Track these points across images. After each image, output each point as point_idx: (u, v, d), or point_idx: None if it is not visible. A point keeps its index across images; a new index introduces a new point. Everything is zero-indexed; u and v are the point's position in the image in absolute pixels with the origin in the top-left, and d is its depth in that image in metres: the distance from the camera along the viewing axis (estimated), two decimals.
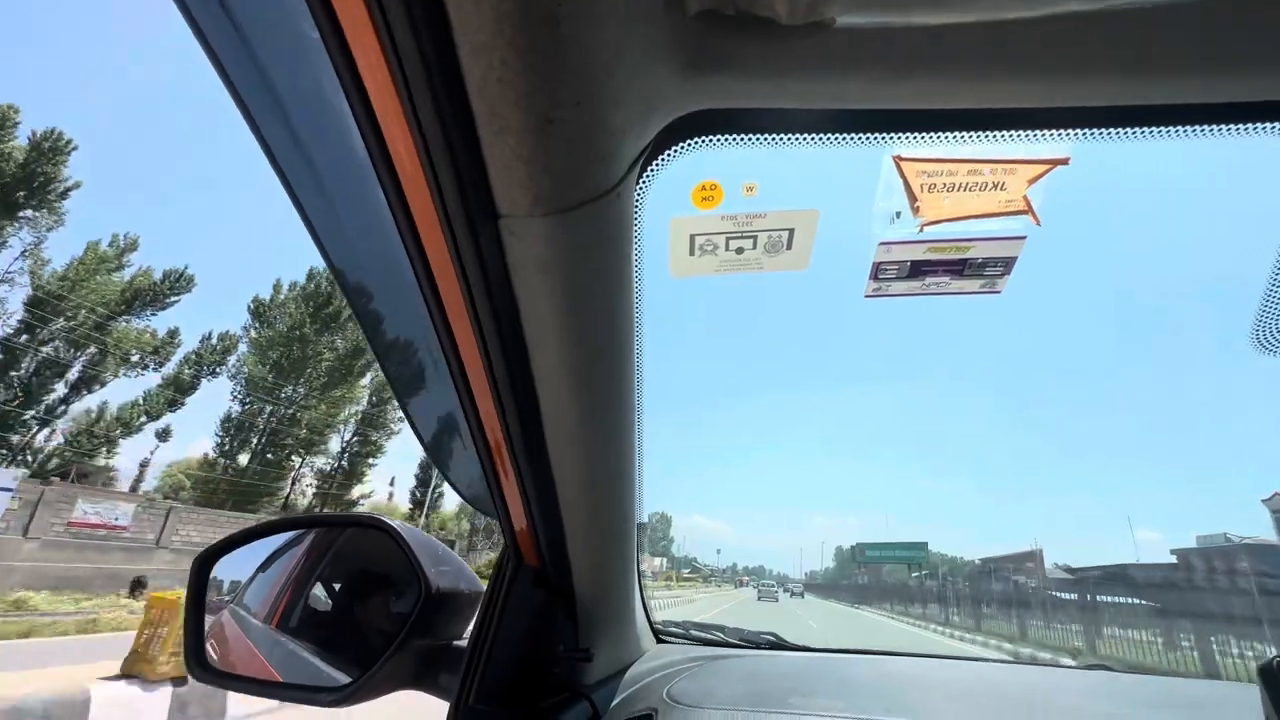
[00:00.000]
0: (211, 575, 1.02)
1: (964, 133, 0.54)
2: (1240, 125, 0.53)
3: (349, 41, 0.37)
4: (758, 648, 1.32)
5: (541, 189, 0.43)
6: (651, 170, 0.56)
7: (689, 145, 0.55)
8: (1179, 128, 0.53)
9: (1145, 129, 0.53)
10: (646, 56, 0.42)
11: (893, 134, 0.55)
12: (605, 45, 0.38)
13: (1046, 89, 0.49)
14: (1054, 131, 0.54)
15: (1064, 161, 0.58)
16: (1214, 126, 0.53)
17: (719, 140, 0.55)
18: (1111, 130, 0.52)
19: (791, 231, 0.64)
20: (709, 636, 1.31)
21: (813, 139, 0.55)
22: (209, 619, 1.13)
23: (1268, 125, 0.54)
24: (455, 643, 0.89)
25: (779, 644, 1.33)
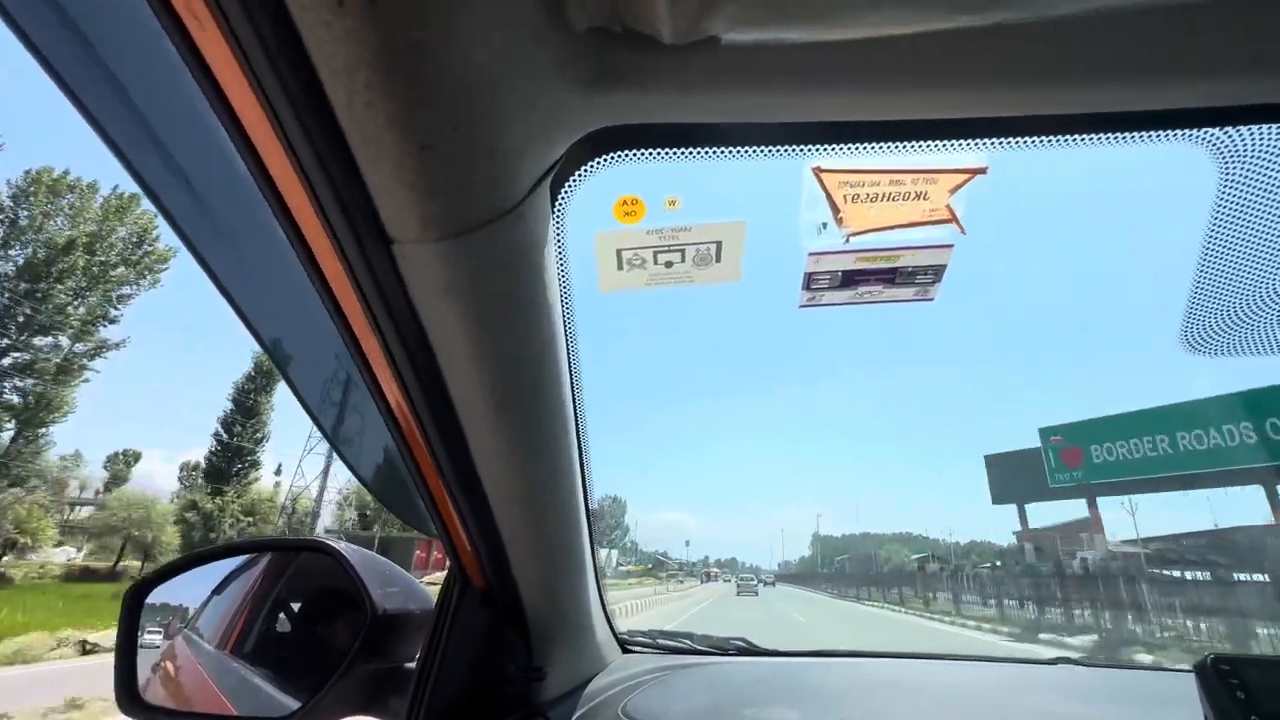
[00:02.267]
0: (158, 602, 0.99)
1: (875, 144, 0.53)
2: (1157, 132, 0.54)
3: (215, 73, 0.35)
4: (725, 654, 1.31)
5: (429, 213, 0.42)
6: (568, 187, 0.55)
7: (603, 162, 0.54)
8: (1094, 135, 0.54)
9: (1060, 137, 0.53)
10: (538, 75, 0.41)
11: (804, 145, 0.54)
12: (481, 68, 0.37)
13: (949, 100, 0.48)
14: (969, 141, 0.54)
15: (982, 170, 0.57)
16: (1130, 134, 0.54)
17: (633, 155, 0.55)
18: (1020, 139, 0.52)
19: (719, 244, 0.64)
20: (676, 645, 1.30)
21: (726, 152, 0.54)
22: (160, 645, 1.10)
23: (1181, 132, 0.54)
24: (407, 665, 0.88)
25: (749, 649, 1.33)
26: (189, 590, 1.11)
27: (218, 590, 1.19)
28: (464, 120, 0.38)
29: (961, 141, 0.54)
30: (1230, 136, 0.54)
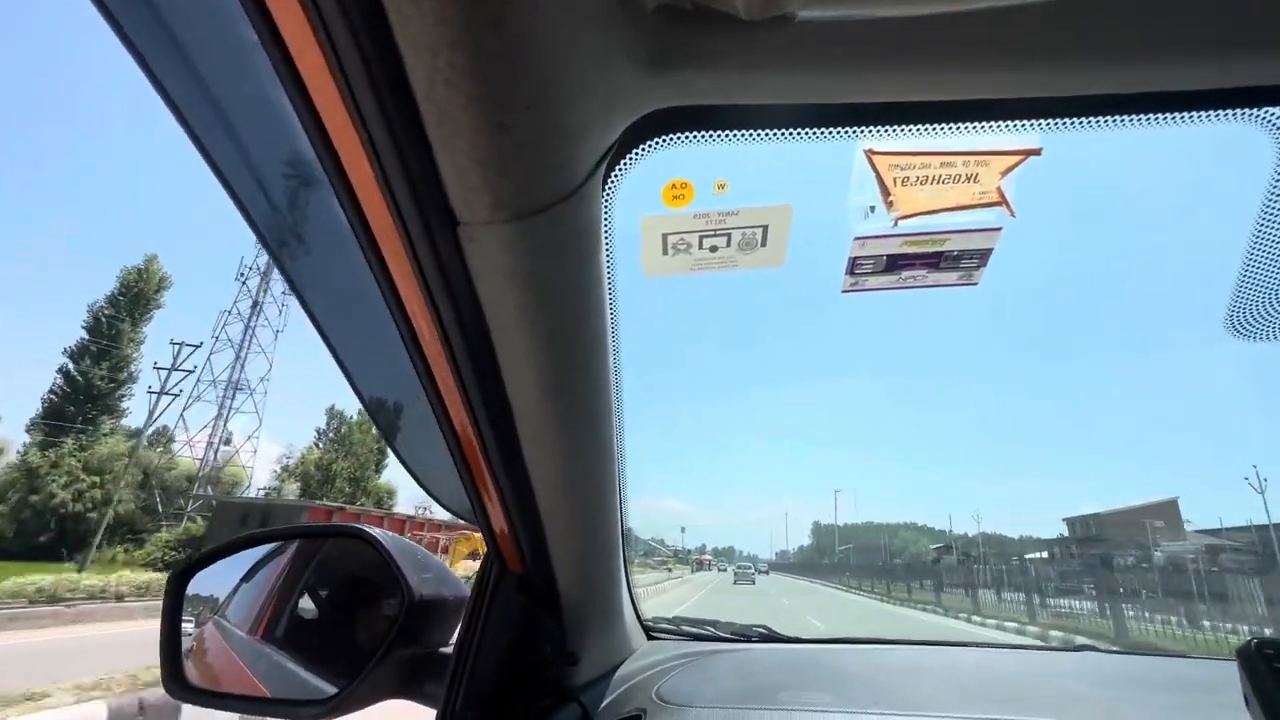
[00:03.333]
0: (190, 591, 1.00)
1: (934, 125, 0.53)
2: (1215, 111, 0.53)
3: (288, 45, 0.35)
4: (749, 640, 1.32)
5: (499, 194, 0.41)
6: (619, 171, 0.55)
7: (656, 144, 0.54)
8: (1152, 115, 0.53)
9: (1118, 117, 0.52)
10: (604, 54, 0.41)
11: (862, 127, 0.54)
12: (557, 45, 0.37)
13: (1016, 79, 0.48)
14: (1026, 122, 0.53)
15: (1035, 152, 0.57)
16: (1187, 114, 0.53)
17: (686, 138, 0.54)
18: (1084, 119, 0.52)
19: (765, 228, 0.63)
20: (700, 631, 1.31)
21: (781, 134, 0.54)
22: (192, 631, 1.11)
23: (1241, 111, 0.53)
24: (441, 650, 0.88)
25: (771, 636, 1.34)
26: (217, 578, 1.12)
27: (246, 578, 1.20)
28: (537, 99, 0.38)
29: (1017, 122, 0.53)
30: None
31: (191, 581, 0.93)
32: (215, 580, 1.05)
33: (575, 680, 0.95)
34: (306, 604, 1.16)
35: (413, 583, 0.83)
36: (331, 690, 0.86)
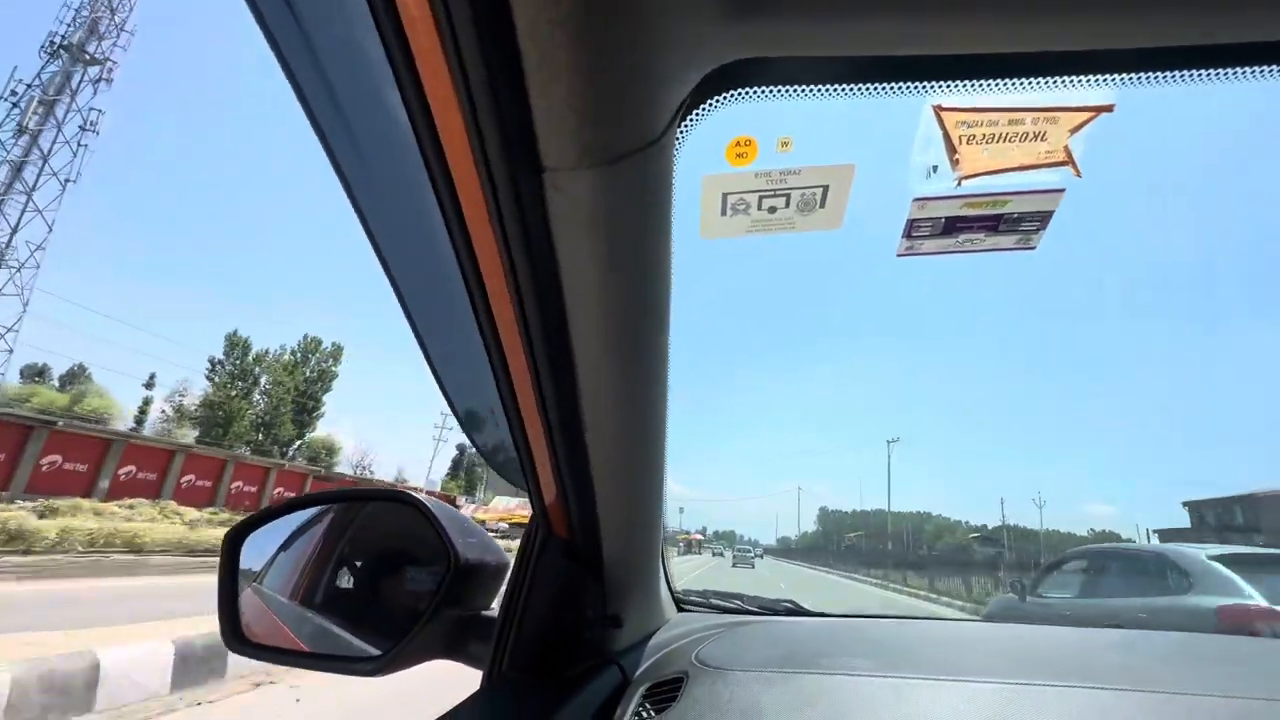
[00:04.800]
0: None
1: (1009, 79, 0.52)
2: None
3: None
4: (777, 614, 1.34)
5: (590, 140, 0.41)
6: (687, 124, 0.55)
7: (726, 98, 0.53)
8: (1244, 69, 0.52)
9: (1202, 71, 0.51)
10: (688, 2, 0.40)
11: (934, 81, 0.53)
12: None
13: (1095, 29, 0.47)
14: (1101, 76, 0.52)
15: (1108, 108, 0.56)
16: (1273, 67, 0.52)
17: (755, 93, 0.54)
18: (1165, 74, 0.51)
19: (826, 188, 0.63)
20: (729, 604, 1.33)
21: (853, 89, 0.53)
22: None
23: None
24: (484, 612, 0.90)
25: (798, 610, 1.35)
26: (257, 546, 1.13)
27: (284, 547, 1.22)
28: (635, 40, 0.38)
29: (1092, 77, 0.52)
30: None
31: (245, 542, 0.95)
32: (259, 545, 1.07)
33: (615, 645, 0.97)
34: (345, 570, 1.18)
35: (459, 546, 0.85)
36: (374, 651, 0.88)
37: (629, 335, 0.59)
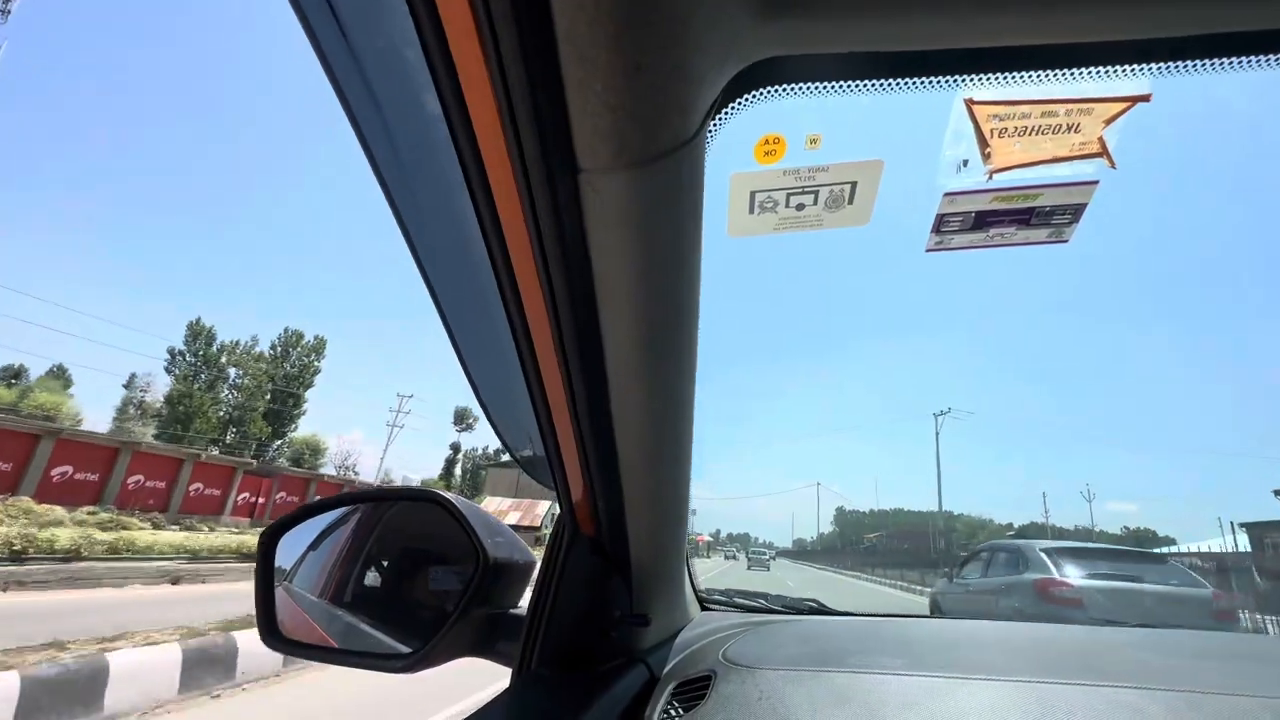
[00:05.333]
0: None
1: (1043, 71, 0.51)
2: None
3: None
4: (800, 613, 1.33)
5: (626, 140, 0.42)
6: (717, 123, 0.55)
7: (755, 96, 0.53)
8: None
9: (1242, 58, 0.50)
10: (721, 2, 0.41)
11: (965, 75, 0.53)
12: None
13: (1136, 18, 0.46)
14: (1138, 66, 0.52)
15: (1145, 98, 0.55)
16: None
17: (785, 90, 0.54)
18: (1203, 62, 0.50)
19: (854, 185, 0.63)
20: (753, 604, 1.33)
21: (883, 84, 0.53)
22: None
23: None
24: (512, 610, 0.91)
25: (822, 610, 1.34)
26: (292, 544, 1.15)
27: (313, 546, 1.24)
28: (671, 39, 0.38)
29: (1128, 67, 0.52)
30: None
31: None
32: (291, 545, 1.09)
33: (641, 643, 0.97)
34: (372, 569, 1.20)
35: (488, 545, 0.85)
36: (404, 649, 0.89)
37: (660, 334, 0.59)
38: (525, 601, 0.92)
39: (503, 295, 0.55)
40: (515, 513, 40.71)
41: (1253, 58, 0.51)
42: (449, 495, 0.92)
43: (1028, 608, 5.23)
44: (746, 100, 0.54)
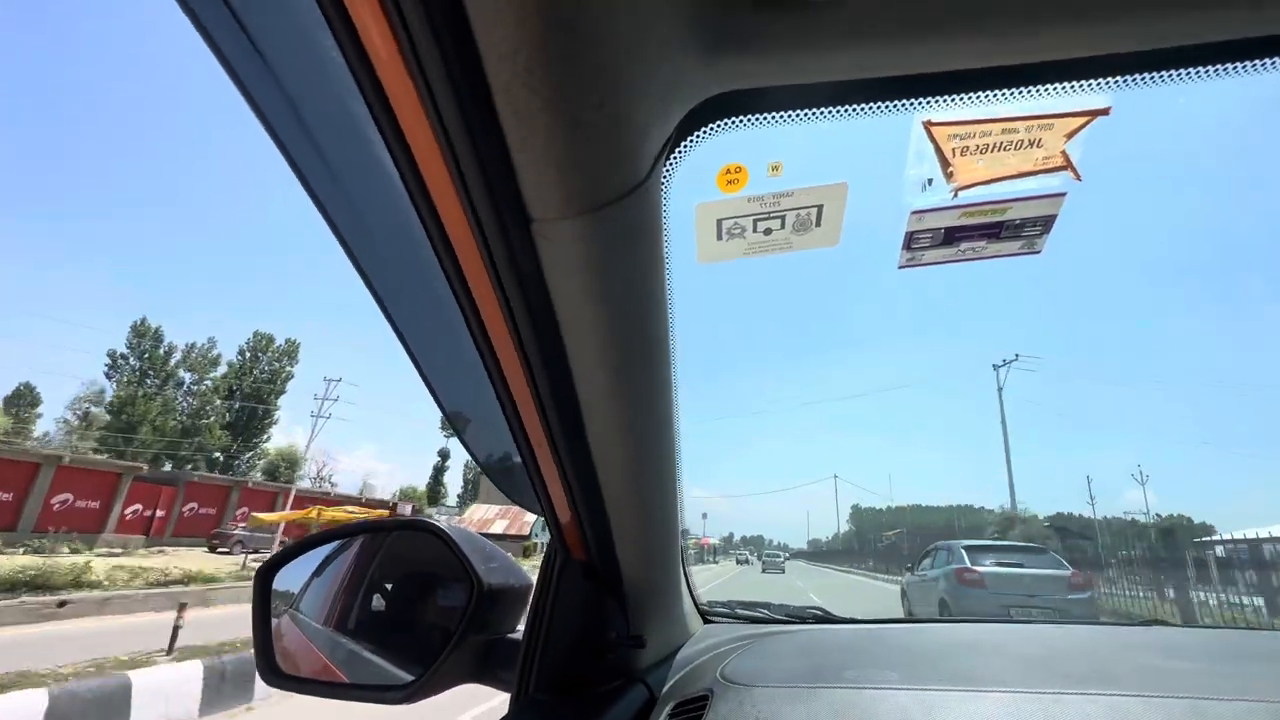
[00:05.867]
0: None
1: (997, 90, 0.51)
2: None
3: (366, 47, 0.37)
4: (804, 622, 1.33)
5: (572, 190, 0.42)
6: (674, 159, 0.55)
7: (711, 130, 0.54)
8: (1233, 65, 0.51)
9: (1195, 69, 0.50)
10: (666, 46, 0.41)
11: (920, 99, 0.53)
12: (625, 40, 0.37)
13: (1082, 37, 0.46)
14: (1094, 81, 0.52)
15: (1104, 112, 0.55)
16: (1267, 61, 0.50)
17: (742, 121, 0.54)
18: (1156, 74, 0.50)
19: (820, 208, 0.63)
20: (755, 614, 1.32)
21: (838, 111, 0.53)
22: (272, 624, 1.17)
23: None
24: (509, 635, 0.92)
25: (826, 618, 1.34)
26: (291, 574, 1.17)
27: (317, 573, 1.26)
28: (608, 95, 0.39)
29: (1084, 83, 0.52)
30: None
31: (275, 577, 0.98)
32: (292, 576, 1.10)
33: (640, 663, 0.97)
34: (375, 596, 1.21)
35: (481, 572, 0.86)
36: (406, 676, 0.90)
37: (630, 368, 0.59)
38: (524, 625, 0.92)
39: (474, 341, 0.56)
40: (502, 521, 39.49)
41: (1204, 68, 0.50)
42: (442, 524, 0.93)
43: (952, 589, 7.54)
44: (704, 133, 0.54)
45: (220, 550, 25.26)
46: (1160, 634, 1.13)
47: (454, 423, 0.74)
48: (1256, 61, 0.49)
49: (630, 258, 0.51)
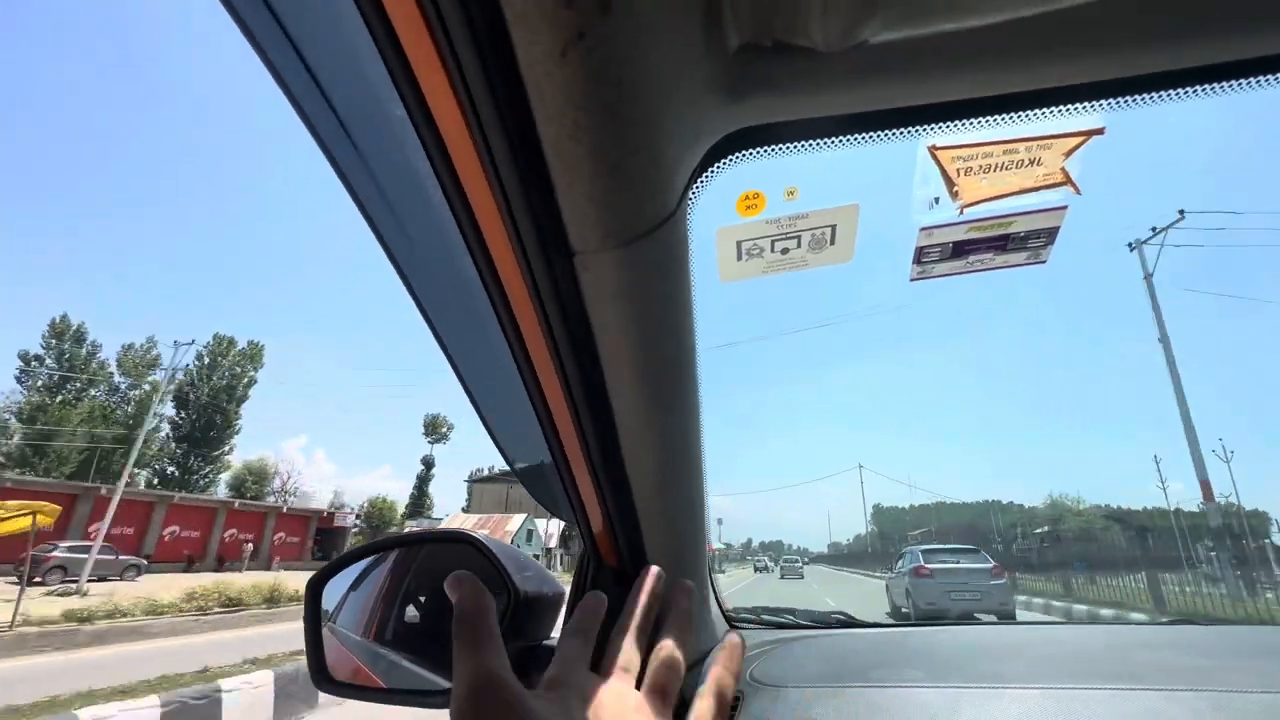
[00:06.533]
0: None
1: (998, 116, 0.55)
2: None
3: (433, 112, 0.41)
4: (828, 627, 1.35)
5: (610, 226, 0.47)
6: (697, 188, 0.60)
7: (731, 161, 0.58)
8: (1218, 85, 0.54)
9: (1183, 90, 0.53)
10: (695, 92, 0.46)
11: (928, 126, 0.57)
12: (660, 91, 0.42)
13: (1079, 67, 0.50)
14: (1089, 104, 0.55)
15: (1099, 132, 0.59)
16: (1256, 80, 0.54)
17: (760, 153, 0.59)
18: (1148, 95, 0.53)
19: (834, 227, 0.67)
20: (780, 620, 1.35)
21: (849, 140, 0.58)
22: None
23: None
24: (544, 642, 0.95)
25: (850, 622, 1.36)
26: (334, 587, 1.22)
27: (354, 586, 1.30)
28: (644, 141, 0.43)
29: (1079, 106, 0.55)
30: None
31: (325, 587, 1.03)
32: (333, 588, 1.15)
33: None
34: (410, 607, 1.25)
35: (517, 581, 0.90)
36: (445, 684, 0.94)
37: (660, 384, 0.64)
38: (558, 632, 0.96)
39: (517, 363, 0.61)
40: (482, 531, 37.73)
41: (1185, 89, 0.54)
42: (479, 535, 0.97)
43: (912, 582, 10.46)
44: (725, 164, 0.59)
45: (36, 581, 20.52)
46: (1185, 632, 1.14)
47: (496, 438, 0.79)
48: (1230, 82, 0.53)
49: (661, 284, 0.55)
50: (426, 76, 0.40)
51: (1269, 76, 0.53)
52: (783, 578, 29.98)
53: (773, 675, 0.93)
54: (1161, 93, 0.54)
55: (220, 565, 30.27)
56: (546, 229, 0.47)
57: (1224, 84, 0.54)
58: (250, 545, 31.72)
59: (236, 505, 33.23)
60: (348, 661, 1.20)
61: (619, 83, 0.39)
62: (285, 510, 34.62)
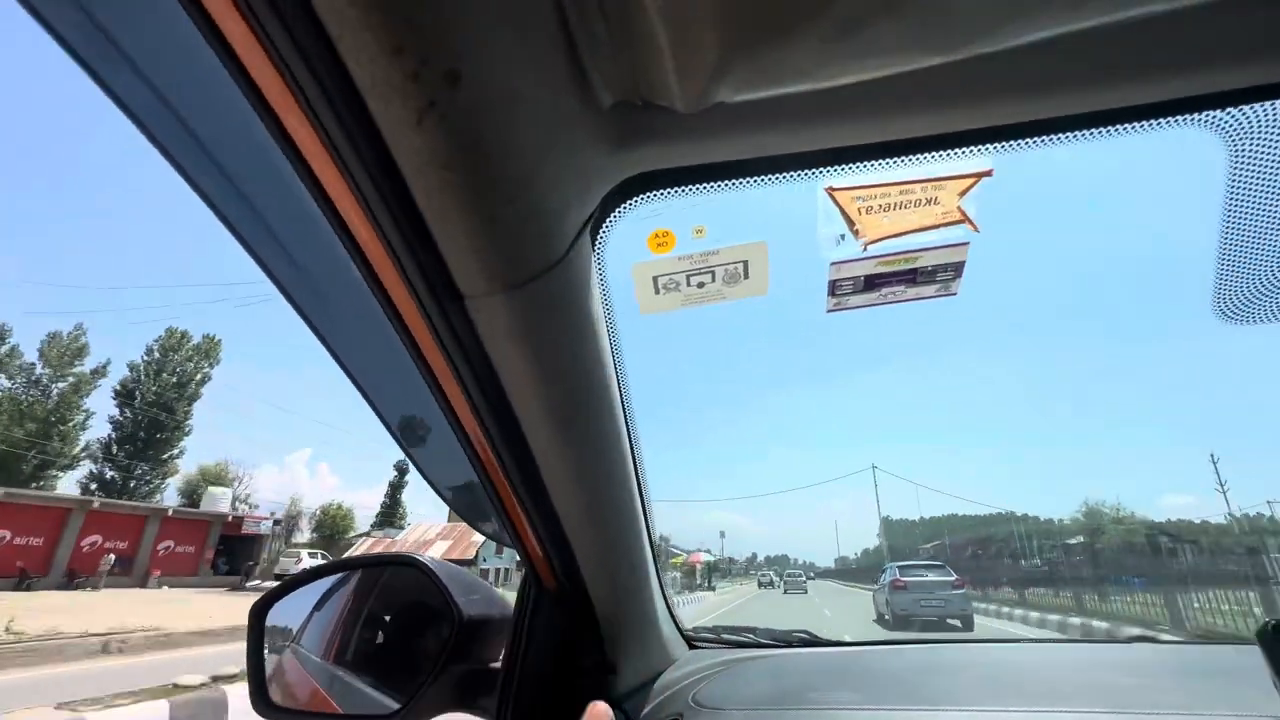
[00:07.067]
0: (269, 624, 1.12)
1: (884, 160, 0.58)
2: (1157, 120, 0.56)
3: (313, 168, 0.44)
4: (789, 646, 1.35)
5: (494, 270, 0.49)
6: (605, 230, 0.62)
7: (634, 203, 0.61)
8: (1098, 130, 0.56)
9: (1064, 135, 0.56)
10: (573, 146, 0.48)
11: (818, 169, 0.59)
12: (533, 148, 0.44)
13: (956, 116, 0.53)
14: (976, 148, 0.58)
15: (987, 174, 0.61)
16: (1134, 125, 0.56)
17: (662, 194, 0.61)
18: (1032, 140, 0.56)
19: (746, 263, 0.69)
20: (740, 639, 1.35)
21: (746, 183, 0.60)
22: (273, 659, 1.23)
23: (1184, 117, 0.56)
24: (492, 665, 0.96)
25: (811, 641, 1.36)
26: (292, 609, 1.23)
27: (317, 607, 1.32)
28: (519, 193, 0.46)
29: (966, 150, 0.58)
30: (1234, 116, 0.56)
31: (271, 612, 1.04)
32: (290, 612, 1.16)
33: (617, 690, 1.01)
34: (370, 629, 1.26)
35: (461, 604, 0.92)
36: (394, 706, 0.95)
37: (575, 417, 0.66)
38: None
39: (437, 402, 0.63)
40: (444, 542, 34.49)
41: (1079, 133, 0.56)
42: (424, 557, 0.98)
43: (889, 594, 12.27)
44: (630, 205, 0.61)
45: None
46: (1142, 651, 1.14)
47: (428, 476, 0.81)
48: (1105, 128, 0.55)
49: (560, 324, 0.57)
50: (304, 142, 0.42)
51: (1164, 119, 0.56)
52: (786, 592, 29.74)
53: (715, 698, 0.94)
54: (1058, 135, 0.56)
55: (70, 581, 23.32)
56: (433, 273, 0.50)
57: (1117, 127, 0.56)
58: (112, 556, 24.78)
59: (97, 505, 25.84)
60: (306, 684, 1.21)
61: (478, 144, 0.41)
62: (171, 513, 28.58)
